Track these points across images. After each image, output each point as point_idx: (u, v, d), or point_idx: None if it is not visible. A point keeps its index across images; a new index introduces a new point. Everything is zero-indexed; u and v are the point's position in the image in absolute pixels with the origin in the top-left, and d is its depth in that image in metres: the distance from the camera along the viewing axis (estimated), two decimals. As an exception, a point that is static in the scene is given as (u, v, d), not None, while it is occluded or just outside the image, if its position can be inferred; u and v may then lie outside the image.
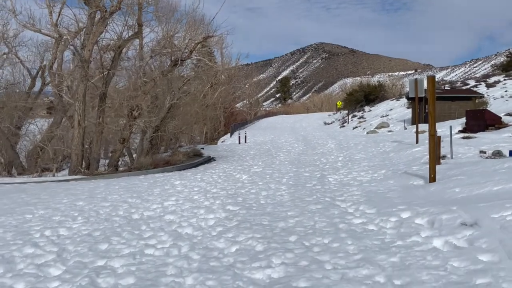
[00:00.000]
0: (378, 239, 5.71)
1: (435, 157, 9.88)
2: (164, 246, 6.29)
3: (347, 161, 17.10)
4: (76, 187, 13.24)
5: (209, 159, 21.78)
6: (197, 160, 20.61)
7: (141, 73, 18.70)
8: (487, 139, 17.31)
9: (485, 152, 13.84)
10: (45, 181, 15.70)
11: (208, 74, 42.83)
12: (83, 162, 17.72)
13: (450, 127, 14.28)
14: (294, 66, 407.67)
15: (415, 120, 35.93)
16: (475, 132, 20.63)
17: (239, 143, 32.72)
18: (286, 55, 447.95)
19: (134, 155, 22.30)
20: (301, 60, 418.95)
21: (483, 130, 21.28)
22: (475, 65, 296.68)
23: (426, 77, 9.96)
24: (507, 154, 13.27)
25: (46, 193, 12.09)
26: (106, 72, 18.64)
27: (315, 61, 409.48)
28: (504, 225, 5.07)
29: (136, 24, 20.04)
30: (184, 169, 17.97)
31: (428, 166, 12.37)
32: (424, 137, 21.08)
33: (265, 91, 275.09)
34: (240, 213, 8.27)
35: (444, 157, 13.13)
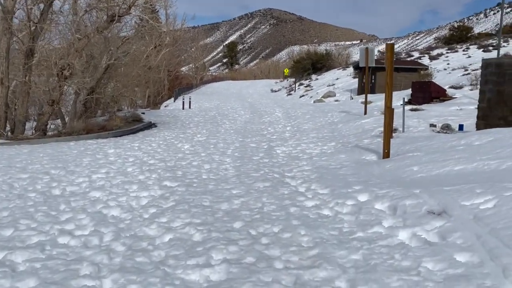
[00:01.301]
0: (336, 229, 4.95)
1: (389, 131, 9.27)
2: (83, 233, 5.25)
3: (295, 131, 16.41)
4: (-6, 154, 11.71)
5: (150, 125, 20.46)
6: (136, 126, 19.24)
7: (74, 29, 16.91)
8: (435, 112, 17.13)
9: (435, 126, 13.53)
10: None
11: (152, 35, 40.66)
12: (7, 125, 15.98)
13: (403, 98, 13.83)
14: (242, 31, 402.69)
15: (361, 90, 36.06)
16: (421, 104, 20.54)
17: (183, 108, 31.38)
18: (234, 19, 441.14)
19: (68, 119, 20.57)
20: (249, 26, 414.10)
21: (428, 102, 21.27)
22: (417, 38, 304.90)
23: (385, 44, 9.24)
24: (456, 128, 13.02)
25: (-45, 161, 10.55)
26: (34, 26, 16.68)
27: (263, 27, 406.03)
28: (478, 216, 4.42)
29: (70, -27, 18.06)
30: (120, 136, 16.63)
31: (380, 140, 11.90)
32: (372, 108, 20.81)
33: (211, 55, 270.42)
34: (178, 191, 7.30)
35: (395, 130, 12.67)
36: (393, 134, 11.91)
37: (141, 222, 5.66)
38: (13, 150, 12.44)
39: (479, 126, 11.50)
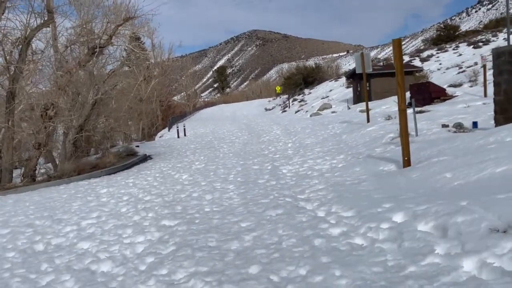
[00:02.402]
0: (378, 264, 3.95)
1: (407, 136, 8.32)
2: (66, 301, 4.24)
3: (298, 147, 15.44)
4: (-24, 209, 10.67)
5: (145, 158, 19.48)
6: (130, 160, 18.25)
7: (55, 67, 16.05)
8: (442, 112, 16.23)
9: (448, 126, 12.62)
10: None
11: (140, 65, 40.02)
12: (-7, 175, 14.98)
13: (412, 100, 12.90)
14: (229, 55, 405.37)
15: (357, 99, 35.26)
16: (422, 105, 19.70)
17: (178, 137, 30.44)
18: (221, 44, 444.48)
19: (59, 161, 19.57)
20: (236, 49, 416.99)
21: (429, 103, 20.46)
22: (403, 43, 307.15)
23: (392, 40, 8.35)
24: (469, 126, 12.12)
25: None
26: (12, 67, 15.83)
27: (249, 48, 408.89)
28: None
29: (46, 11, 17.27)
30: (114, 173, 15.63)
31: (393, 147, 10.97)
32: (373, 116, 19.90)
33: (202, 82, 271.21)
34: (178, 231, 6.29)
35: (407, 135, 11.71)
36: (407, 139, 10.95)
37: (136, 278, 4.65)
38: (-3, 202, 11.41)
39: (498, 121, 10.55)
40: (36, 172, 15.99)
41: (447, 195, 5.40)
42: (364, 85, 18.82)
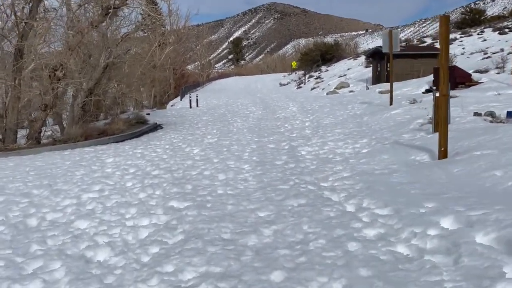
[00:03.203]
0: (433, 285, 3.20)
1: (446, 124, 7.47)
2: (52, 297, 3.58)
3: (316, 127, 14.63)
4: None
5: (155, 127, 18.77)
6: (140, 128, 17.55)
7: (66, 26, 15.25)
8: (471, 98, 15.25)
9: (480, 114, 11.72)
10: None
11: (155, 31, 39.05)
12: (-3, 135, 14.41)
13: (449, 84, 11.92)
14: (246, 26, 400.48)
15: (376, 80, 34.12)
16: (446, 91, 18.70)
17: (190, 107, 29.68)
18: (238, 15, 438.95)
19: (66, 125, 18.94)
20: (253, 21, 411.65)
21: (453, 89, 19.44)
22: (423, 25, 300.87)
23: (439, 17, 7.44)
24: (502, 115, 11.22)
25: None
26: (22, 23, 15.05)
27: (267, 21, 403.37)
28: None
29: (60, -35, 16.39)
30: (122, 141, 14.95)
31: (423, 134, 10.13)
32: (395, 98, 18.91)
33: (217, 52, 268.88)
34: (188, 216, 5.59)
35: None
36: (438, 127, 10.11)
37: (137, 273, 3.96)
38: (-2, 164, 10.81)
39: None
40: (42, 134, 15.37)
41: (502, 198, 4.61)
42: (391, 65, 17.83)
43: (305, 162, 8.95)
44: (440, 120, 7.42)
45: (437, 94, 10.00)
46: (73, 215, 6.00)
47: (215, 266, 3.89)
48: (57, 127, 19.76)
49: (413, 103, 15.77)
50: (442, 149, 7.41)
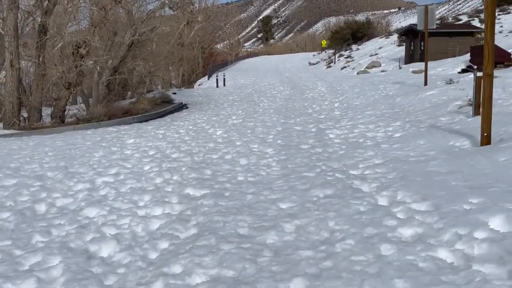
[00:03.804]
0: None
1: (490, 106, 6.75)
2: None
3: (346, 108, 13.96)
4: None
5: (180, 107, 18.43)
6: (164, 108, 17.23)
7: (90, 1, 14.89)
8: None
9: (525, 97, 10.85)
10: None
11: (183, 10, 38.55)
12: (20, 113, 14.27)
13: (494, 63, 11.04)
14: (276, 4, 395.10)
15: (409, 59, 32.84)
16: (481, 70, 17.68)
17: (217, 86, 29.25)
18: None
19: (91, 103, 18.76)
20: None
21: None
22: (458, 2, 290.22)
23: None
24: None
25: None
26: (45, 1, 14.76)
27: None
28: None
29: None
30: (146, 121, 14.66)
31: (462, 117, 9.38)
32: (429, 78, 17.94)
33: (246, 31, 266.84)
34: (203, 206, 5.14)
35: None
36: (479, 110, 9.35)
37: (141, 273, 3.54)
38: (18, 144, 10.61)
39: None
40: (66, 113, 15.20)
41: None
42: (426, 43, 16.92)
43: (333, 146, 8.38)
44: (485, 103, 6.71)
45: (479, 74, 9.24)
46: (83, 201, 5.64)
47: (227, 269, 3.43)
48: (83, 105, 19.65)
49: (450, 83, 14.87)
50: (485, 134, 6.71)
